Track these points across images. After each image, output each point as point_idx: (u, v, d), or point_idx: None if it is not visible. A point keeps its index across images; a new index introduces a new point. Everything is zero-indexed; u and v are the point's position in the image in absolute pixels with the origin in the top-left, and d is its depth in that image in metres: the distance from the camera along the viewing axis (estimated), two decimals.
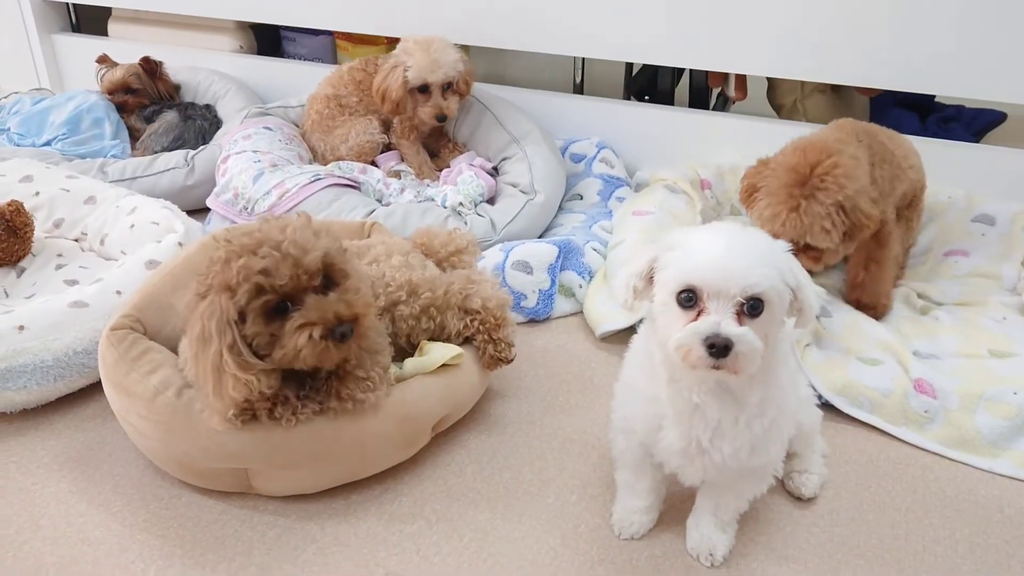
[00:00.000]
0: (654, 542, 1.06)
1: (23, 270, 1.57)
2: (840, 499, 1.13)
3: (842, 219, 1.28)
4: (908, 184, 1.47)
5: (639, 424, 0.96)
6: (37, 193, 1.70)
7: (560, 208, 1.82)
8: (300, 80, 2.20)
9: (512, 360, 1.24)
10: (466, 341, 1.24)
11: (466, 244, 1.37)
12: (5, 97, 2.23)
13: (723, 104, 2.24)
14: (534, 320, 1.53)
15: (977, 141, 1.99)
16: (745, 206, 1.38)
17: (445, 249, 1.35)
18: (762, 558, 1.04)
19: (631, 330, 1.47)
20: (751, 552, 1.04)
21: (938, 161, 1.60)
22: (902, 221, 1.52)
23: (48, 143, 2.05)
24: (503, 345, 1.23)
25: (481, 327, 1.22)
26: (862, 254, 1.44)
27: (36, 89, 2.34)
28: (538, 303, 1.52)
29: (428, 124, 1.88)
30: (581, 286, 1.56)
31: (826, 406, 1.29)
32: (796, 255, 1.21)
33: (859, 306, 1.45)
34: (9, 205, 1.55)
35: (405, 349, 1.22)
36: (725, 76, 2.10)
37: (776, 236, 1.21)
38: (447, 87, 1.81)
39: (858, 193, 1.29)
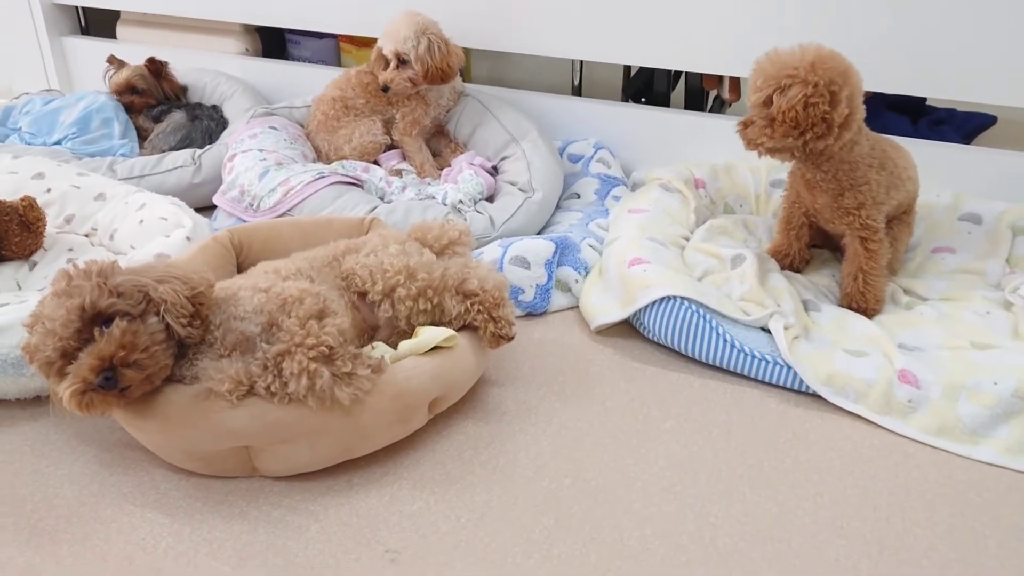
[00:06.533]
0: (644, 522, 1.10)
1: (35, 264, 1.62)
2: (825, 483, 1.17)
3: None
4: (904, 195, 1.51)
5: None
6: (49, 190, 1.75)
7: (558, 206, 1.86)
8: (304, 82, 2.25)
9: (513, 337, 1.28)
10: (466, 327, 1.28)
11: (458, 235, 1.41)
12: (16, 98, 2.28)
13: (719, 106, 2.29)
14: (531, 314, 1.57)
15: (968, 144, 2.03)
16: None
17: (439, 242, 1.39)
18: (749, 538, 1.08)
19: (626, 323, 1.51)
20: (736, 532, 1.08)
21: (928, 162, 1.64)
22: (901, 225, 1.56)
23: (59, 142, 2.10)
24: (503, 323, 1.27)
25: (481, 307, 1.26)
26: (853, 265, 1.48)
27: (46, 90, 2.40)
28: (535, 297, 1.56)
29: (428, 117, 1.94)
30: (577, 281, 1.61)
31: (812, 396, 1.34)
32: None
33: (851, 310, 1.49)
34: (22, 201, 1.60)
35: (406, 332, 1.26)
36: (720, 79, 2.14)
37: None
38: (401, 61, 1.85)
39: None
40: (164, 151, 2.06)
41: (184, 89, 2.31)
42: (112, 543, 1.06)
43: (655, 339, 1.47)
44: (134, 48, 2.37)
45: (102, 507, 1.11)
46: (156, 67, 2.24)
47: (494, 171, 1.91)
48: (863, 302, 1.48)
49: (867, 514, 1.12)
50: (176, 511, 1.11)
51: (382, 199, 1.81)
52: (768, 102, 1.34)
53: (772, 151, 1.38)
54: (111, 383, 1.02)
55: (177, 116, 2.16)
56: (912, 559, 1.05)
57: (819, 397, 1.33)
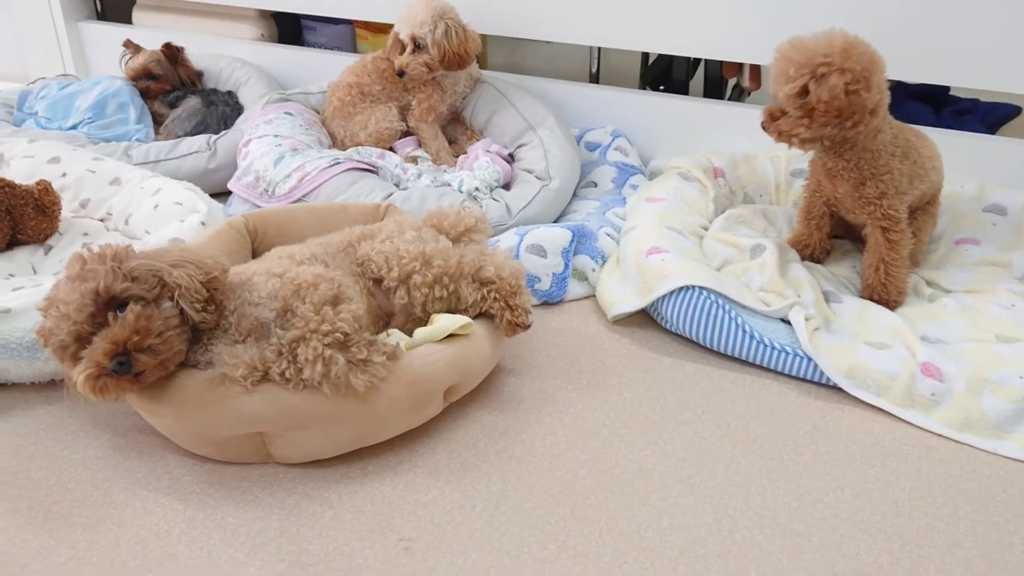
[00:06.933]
0: (661, 514, 1.09)
1: (50, 248, 1.62)
2: (845, 476, 1.15)
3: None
4: (928, 185, 1.48)
5: None
6: (64, 174, 1.74)
7: (574, 195, 1.84)
8: (320, 68, 2.24)
9: (530, 325, 1.27)
10: (482, 315, 1.27)
11: (475, 222, 1.40)
12: (32, 83, 2.28)
13: (739, 94, 2.26)
14: (547, 303, 1.56)
15: (991, 134, 1.99)
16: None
17: (455, 229, 1.38)
18: (768, 531, 1.06)
19: (643, 313, 1.50)
20: (755, 525, 1.07)
21: (952, 152, 1.62)
22: (925, 216, 1.53)
23: (74, 127, 2.10)
24: (520, 311, 1.26)
25: (497, 295, 1.25)
26: (875, 256, 1.45)
27: (62, 75, 2.39)
28: (552, 286, 1.54)
29: (445, 103, 1.92)
30: (594, 270, 1.59)
31: (833, 388, 1.32)
32: None
33: (873, 302, 1.47)
34: (38, 184, 1.60)
35: (421, 319, 1.25)
36: (739, 66, 2.12)
37: None
38: (418, 46, 1.83)
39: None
40: (179, 136, 2.05)
41: (200, 75, 2.30)
42: (126, 528, 1.05)
43: (673, 329, 1.45)
44: (150, 33, 2.37)
45: (116, 492, 1.11)
46: (172, 52, 2.23)
47: (510, 159, 1.89)
48: (885, 293, 1.45)
49: (888, 509, 1.10)
50: (190, 497, 1.10)
51: (397, 186, 1.79)
52: (803, 92, 1.30)
53: (806, 141, 1.34)
54: (125, 368, 1.01)
55: (192, 102, 2.16)
56: (934, 555, 1.03)
57: (839, 389, 1.31)
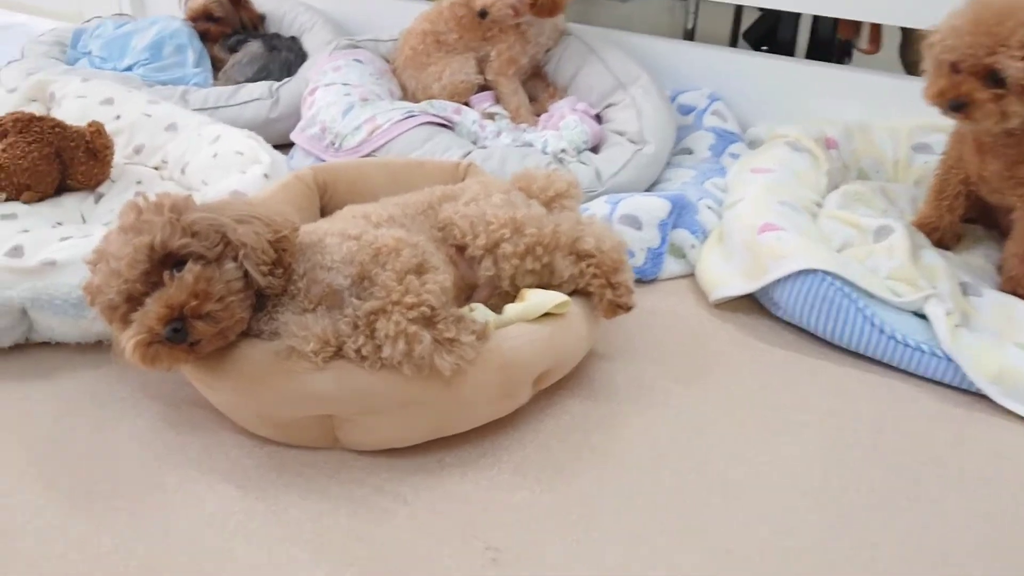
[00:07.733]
0: (786, 534, 0.93)
1: (101, 196, 1.50)
2: (998, 499, 0.99)
3: None
4: None
5: None
6: (118, 117, 1.62)
7: (667, 162, 1.67)
8: (387, 15, 2.10)
9: (632, 307, 1.11)
10: (575, 293, 1.12)
11: (567, 187, 1.24)
12: (87, 21, 2.16)
13: (841, 56, 2.05)
14: (640, 280, 1.40)
15: None
16: None
17: (544, 193, 1.23)
18: (913, 562, 0.90)
19: (749, 296, 1.33)
20: (899, 554, 0.91)
21: None
22: None
23: (130, 68, 1.98)
24: (623, 289, 1.10)
25: (597, 271, 1.10)
26: (1019, 244, 1.27)
27: (118, 14, 2.27)
28: (646, 262, 1.39)
29: (526, 56, 1.76)
30: (693, 246, 1.43)
31: (975, 395, 1.15)
32: None
33: (1016, 296, 1.28)
34: (90, 126, 1.48)
35: (508, 293, 1.10)
36: (857, 26, 1.91)
37: None
38: None
39: None
40: (240, 83, 1.92)
41: (262, 18, 2.17)
42: (176, 516, 0.93)
43: (785, 317, 1.29)
44: None
45: (165, 473, 0.99)
46: None
47: (598, 119, 1.72)
48: None
49: None
50: (247, 483, 0.98)
51: (474, 144, 1.64)
52: None
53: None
54: (180, 336, 0.88)
55: (254, 47, 2.02)
56: None
57: (982, 396, 1.14)
